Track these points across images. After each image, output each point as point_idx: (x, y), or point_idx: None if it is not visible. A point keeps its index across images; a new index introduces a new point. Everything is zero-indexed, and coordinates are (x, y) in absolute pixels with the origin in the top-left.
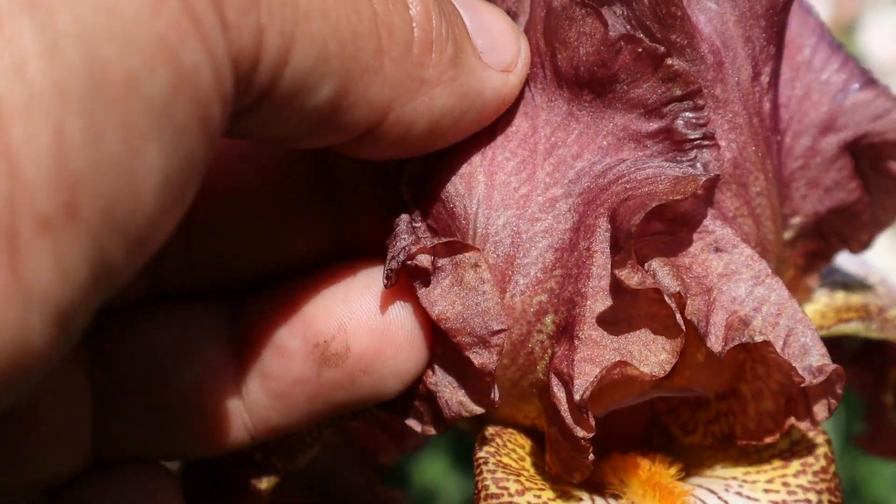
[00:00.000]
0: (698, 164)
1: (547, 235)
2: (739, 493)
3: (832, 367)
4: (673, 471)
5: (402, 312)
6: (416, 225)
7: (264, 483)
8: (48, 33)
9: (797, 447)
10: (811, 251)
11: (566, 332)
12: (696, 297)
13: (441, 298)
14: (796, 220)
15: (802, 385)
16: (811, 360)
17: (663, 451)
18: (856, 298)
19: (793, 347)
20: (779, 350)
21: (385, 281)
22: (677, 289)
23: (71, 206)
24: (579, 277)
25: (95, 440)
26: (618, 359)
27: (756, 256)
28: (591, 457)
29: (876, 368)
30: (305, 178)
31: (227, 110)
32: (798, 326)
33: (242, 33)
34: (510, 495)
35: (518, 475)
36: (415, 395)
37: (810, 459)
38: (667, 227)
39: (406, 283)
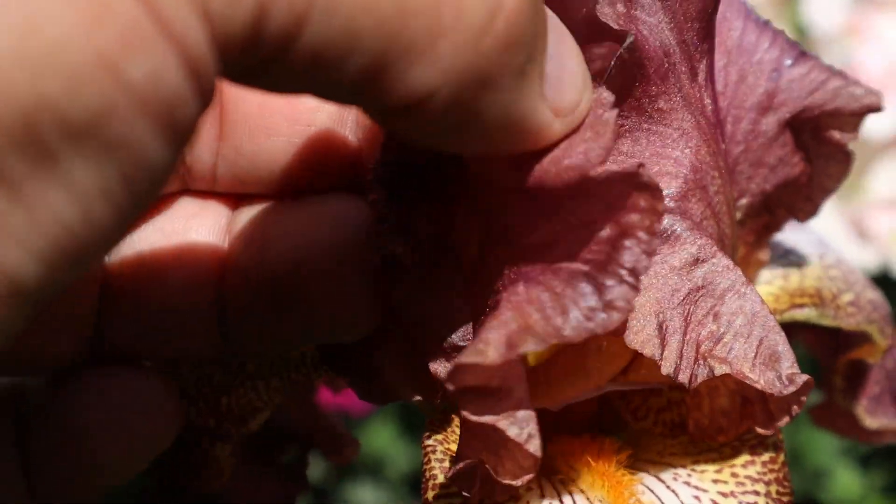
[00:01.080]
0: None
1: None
2: (687, 483)
3: (803, 377)
4: (621, 457)
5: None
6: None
7: (219, 449)
8: None
9: (747, 435)
10: (761, 226)
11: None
12: (673, 335)
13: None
14: (744, 202)
15: (774, 395)
16: (781, 369)
17: (614, 434)
18: (810, 282)
19: (763, 356)
20: (749, 361)
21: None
22: None
23: None
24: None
25: (96, 329)
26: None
27: (731, 265)
28: (539, 454)
29: (830, 348)
30: None
31: (209, 95)
32: (770, 335)
33: (233, 19)
34: None
35: None
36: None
37: (759, 449)
38: None
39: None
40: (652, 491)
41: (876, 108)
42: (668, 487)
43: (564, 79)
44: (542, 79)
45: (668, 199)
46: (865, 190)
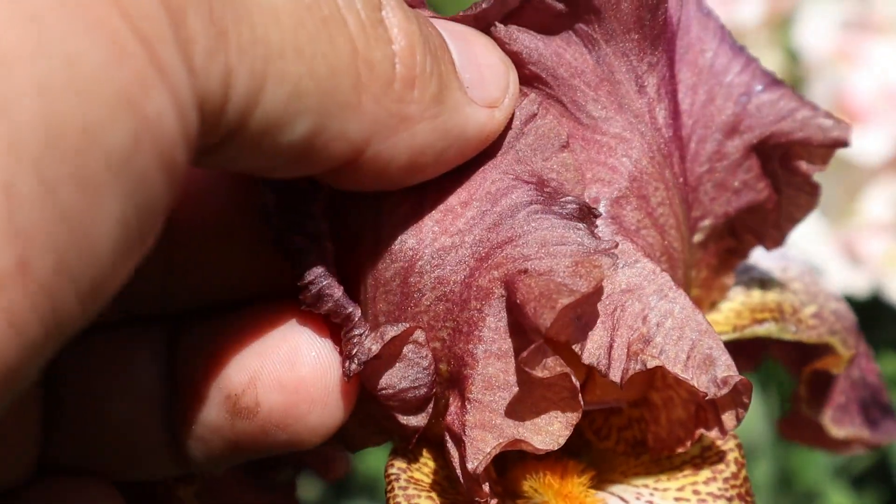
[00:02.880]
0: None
1: (437, 287)
2: (651, 502)
3: (737, 378)
4: (585, 479)
5: (317, 370)
6: (329, 280)
7: (182, 490)
8: (4, 89)
9: (708, 453)
10: (724, 250)
11: (457, 386)
12: (599, 326)
13: (379, 372)
14: (706, 223)
15: (707, 398)
16: (716, 372)
17: (578, 456)
18: (771, 297)
19: (696, 360)
20: (682, 364)
21: (344, 378)
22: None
23: (22, 262)
24: (470, 337)
25: (42, 450)
26: (510, 434)
27: (658, 270)
28: (494, 501)
29: (795, 360)
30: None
31: (192, 151)
32: (703, 338)
33: (210, 76)
34: None
35: (430, 491)
36: None
37: (721, 466)
38: None
39: (323, 332)
40: None
41: (844, 143)
42: None
43: (485, 75)
44: (463, 88)
45: (596, 204)
46: (857, 213)
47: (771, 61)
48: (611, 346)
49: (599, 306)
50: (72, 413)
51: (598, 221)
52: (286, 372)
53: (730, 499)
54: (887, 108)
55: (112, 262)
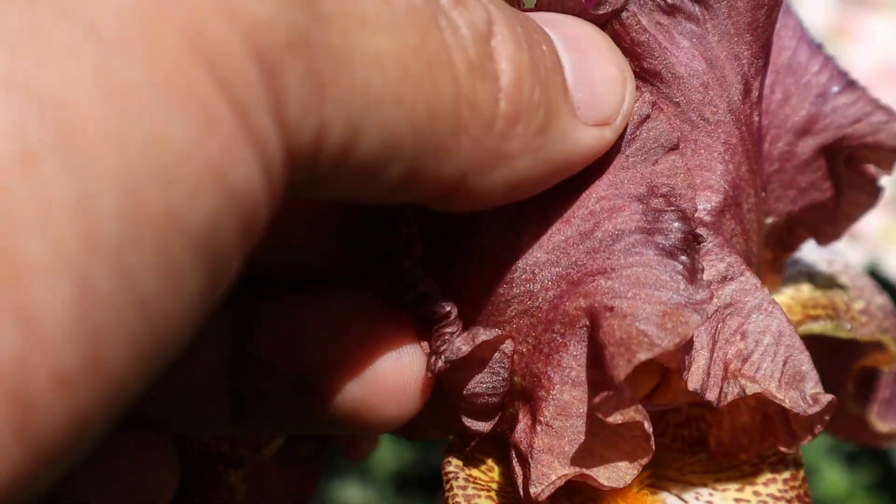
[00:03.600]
0: (697, 277)
1: (524, 301)
2: (710, 502)
3: (828, 398)
4: (643, 476)
5: (398, 362)
6: (428, 281)
7: (233, 476)
8: (83, 178)
9: (766, 454)
10: (781, 247)
11: (528, 404)
12: (699, 352)
13: (462, 376)
14: (770, 221)
15: (797, 413)
16: (805, 389)
17: None
18: (821, 292)
19: (788, 375)
20: (776, 381)
21: (428, 373)
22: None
23: (95, 361)
24: (549, 360)
25: None
26: (577, 467)
27: (759, 283)
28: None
29: (844, 354)
30: None
31: (276, 202)
32: (794, 353)
33: (303, 132)
34: None
35: (488, 489)
36: None
37: (780, 466)
38: None
39: (406, 324)
40: None
41: None
42: None
43: (599, 91)
44: (573, 112)
45: (704, 213)
46: None
47: None
48: (709, 366)
49: (703, 326)
50: None
51: (703, 231)
52: (365, 362)
53: (789, 500)
54: (885, 83)
55: (184, 339)
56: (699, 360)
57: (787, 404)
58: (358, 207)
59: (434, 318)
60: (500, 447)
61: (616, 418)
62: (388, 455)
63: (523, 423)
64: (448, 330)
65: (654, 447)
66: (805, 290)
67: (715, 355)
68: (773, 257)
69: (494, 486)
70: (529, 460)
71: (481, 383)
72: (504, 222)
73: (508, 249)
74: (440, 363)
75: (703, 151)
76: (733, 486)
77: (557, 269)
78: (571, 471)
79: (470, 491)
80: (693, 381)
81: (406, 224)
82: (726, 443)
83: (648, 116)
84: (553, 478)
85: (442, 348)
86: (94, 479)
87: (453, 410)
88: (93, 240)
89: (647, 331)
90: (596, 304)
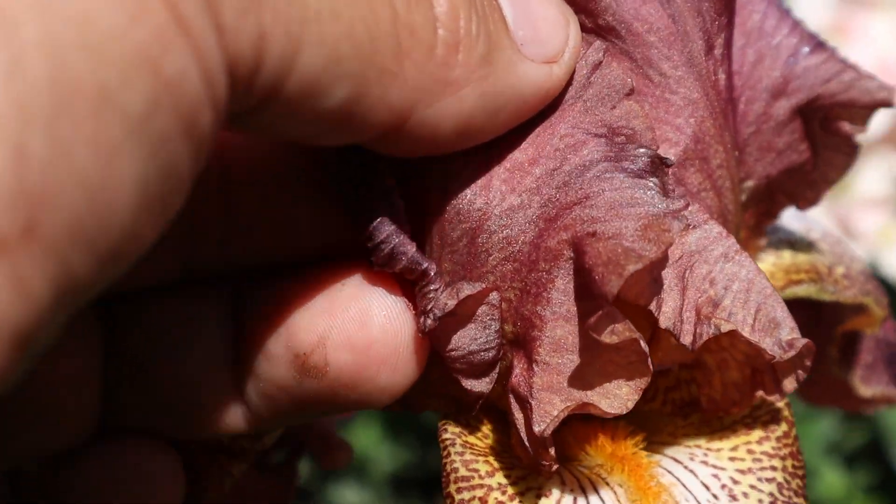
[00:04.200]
0: (670, 191)
1: (505, 247)
2: (705, 462)
3: (802, 341)
4: (636, 440)
5: (388, 331)
6: (401, 237)
7: (235, 468)
8: (11, 48)
9: (758, 412)
10: (761, 211)
11: (523, 348)
12: (669, 291)
13: (450, 332)
14: (749, 184)
15: (774, 360)
16: (781, 335)
17: (623, 418)
18: (802, 258)
19: (762, 322)
20: (749, 327)
21: (419, 334)
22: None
23: (30, 226)
24: (538, 299)
25: (103, 412)
26: (577, 397)
27: (725, 232)
28: (556, 466)
29: (825, 320)
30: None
31: (221, 115)
32: (768, 301)
33: (240, 37)
34: (480, 477)
35: (486, 455)
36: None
37: (773, 425)
38: None
39: (394, 290)
40: (670, 472)
41: (888, 104)
42: (686, 468)
43: (541, 29)
44: (515, 47)
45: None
46: (852, 189)
47: None
48: (681, 310)
49: (670, 269)
50: (134, 373)
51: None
52: (356, 331)
53: (783, 458)
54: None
55: (133, 227)
56: (669, 300)
57: (763, 347)
58: (332, 169)
59: (414, 277)
60: (495, 415)
61: (611, 338)
62: (385, 456)
63: (519, 367)
64: (431, 287)
65: (651, 368)
66: (786, 257)
67: (686, 301)
68: (754, 223)
69: (492, 452)
70: (530, 400)
71: (474, 340)
72: (473, 174)
73: (481, 200)
74: (429, 321)
75: (661, 105)
76: (727, 446)
77: (532, 210)
78: (573, 402)
79: (468, 456)
80: (665, 319)
81: (379, 178)
82: (718, 399)
83: (601, 63)
84: (555, 412)
85: (429, 307)
86: (102, 490)
87: (451, 378)
88: (25, 106)
89: (631, 246)
90: (577, 234)
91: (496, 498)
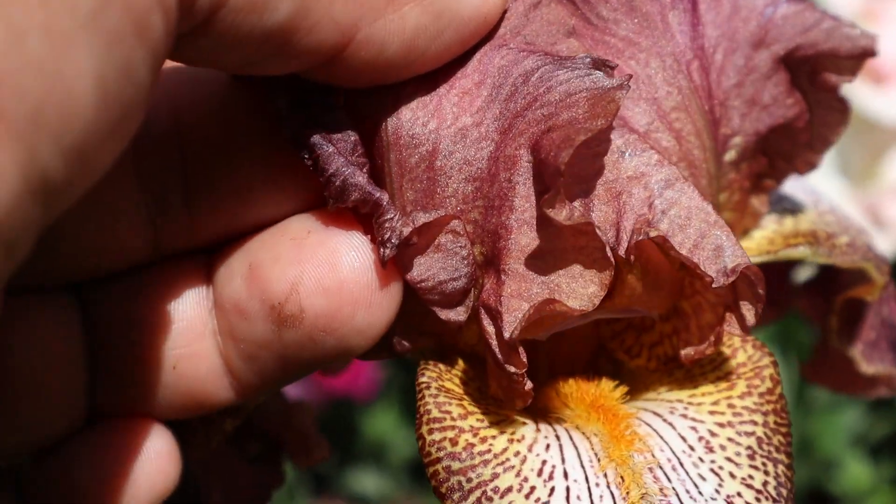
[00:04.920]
0: (612, 74)
1: (463, 167)
2: (685, 416)
3: (745, 263)
4: (618, 394)
5: (357, 269)
6: (352, 168)
7: (228, 423)
8: None
9: (742, 369)
10: (757, 173)
11: (493, 264)
12: (606, 204)
13: (416, 262)
14: (737, 140)
15: (714, 286)
16: (725, 262)
17: (609, 376)
18: (805, 225)
19: (706, 250)
20: (688, 249)
21: (383, 263)
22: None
23: None
24: (502, 209)
25: (89, 399)
26: (546, 295)
27: (666, 162)
28: (529, 385)
29: (825, 294)
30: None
31: (171, 25)
32: (712, 230)
33: None
34: (453, 419)
35: (461, 399)
36: None
37: (756, 381)
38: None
39: (360, 231)
40: (648, 424)
41: (871, 52)
42: (664, 420)
43: None
44: None
45: None
46: (881, 177)
47: None
48: (618, 226)
49: (604, 187)
50: (116, 356)
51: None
52: (327, 275)
53: (765, 413)
54: None
55: (94, 122)
56: (603, 211)
57: (704, 270)
58: (283, 113)
59: (369, 209)
60: (474, 363)
61: (566, 217)
62: (403, 442)
63: (490, 282)
64: (387, 217)
65: (613, 260)
66: (788, 224)
67: (624, 222)
68: (750, 185)
69: (468, 398)
70: (500, 309)
71: (444, 269)
72: (424, 101)
73: (434, 122)
74: (387, 251)
75: (599, 47)
76: (709, 400)
77: (486, 126)
78: (539, 299)
79: (441, 399)
80: (602, 233)
81: (328, 113)
82: (696, 342)
83: (540, 2)
84: (520, 316)
85: (386, 237)
86: (96, 472)
87: (427, 313)
88: None
89: (581, 125)
90: (532, 134)
91: (466, 440)
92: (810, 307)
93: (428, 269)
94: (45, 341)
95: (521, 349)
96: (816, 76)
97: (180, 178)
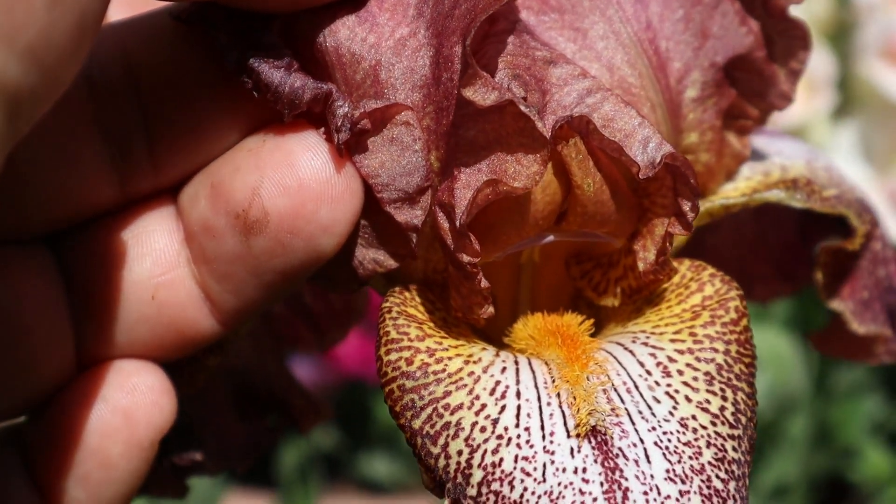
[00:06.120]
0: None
1: (408, 76)
2: (645, 343)
3: (670, 151)
4: (584, 326)
5: (315, 165)
6: (294, 74)
7: (212, 360)
8: None
9: (708, 301)
10: (727, 111)
11: (447, 166)
12: (534, 92)
13: (370, 155)
14: (696, 76)
15: (641, 176)
16: (651, 152)
17: (577, 310)
18: (791, 175)
19: (634, 142)
20: (618, 140)
21: (339, 150)
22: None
23: None
24: (450, 109)
25: (77, 347)
26: (490, 178)
27: (588, 74)
28: (485, 283)
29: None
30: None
31: None
32: (637, 128)
33: None
34: (410, 340)
35: (421, 324)
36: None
37: (720, 311)
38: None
39: (313, 130)
40: (609, 352)
41: None
42: (625, 348)
43: None
44: None
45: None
46: None
47: (819, 5)
48: (543, 112)
49: (534, 81)
50: (97, 302)
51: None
52: (286, 174)
53: (728, 342)
54: None
55: (49, 28)
56: (532, 95)
57: (631, 156)
58: (222, 43)
59: (321, 105)
60: (441, 295)
61: (486, 97)
62: None
63: (445, 182)
64: (337, 104)
65: (545, 133)
66: (774, 175)
67: (548, 117)
68: (721, 124)
69: (429, 322)
70: (452, 202)
71: (397, 162)
72: (358, 19)
73: (373, 36)
74: (342, 136)
75: None
76: (671, 330)
77: (422, 33)
78: (484, 180)
79: (401, 321)
80: (530, 111)
81: (265, 35)
82: (651, 258)
83: None
84: (468, 200)
85: (339, 123)
86: (89, 412)
87: (386, 221)
88: None
89: (487, 4)
90: (462, 28)
91: (422, 360)
92: (824, 275)
93: (382, 162)
94: (24, 293)
95: (472, 237)
96: (770, 4)
97: (139, 121)
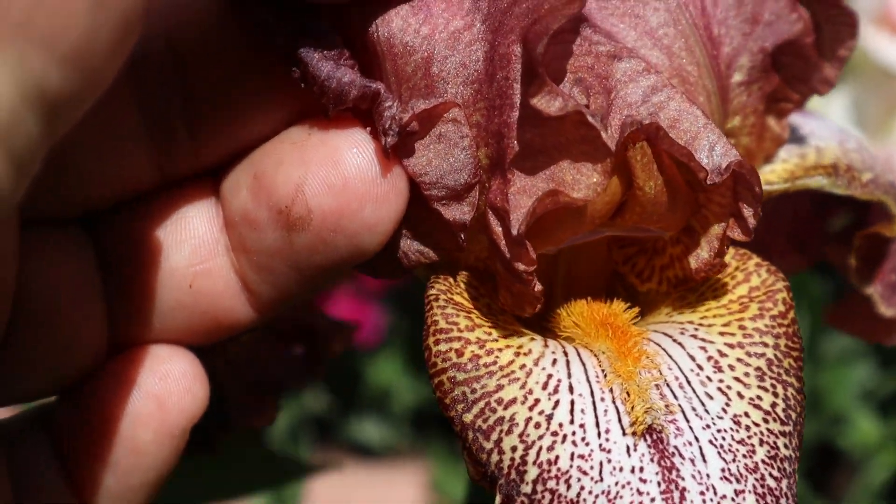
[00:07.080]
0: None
1: (461, 71)
2: (694, 336)
3: (737, 158)
4: (629, 315)
5: (361, 164)
6: (343, 69)
7: (246, 335)
8: None
9: (755, 293)
10: (771, 95)
11: (498, 165)
12: (598, 95)
13: (417, 153)
14: (744, 61)
15: (709, 182)
16: (717, 159)
17: (621, 298)
18: (828, 159)
19: (700, 147)
20: (681, 143)
21: (385, 152)
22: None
23: None
24: (503, 109)
25: (110, 330)
26: (550, 187)
27: (654, 70)
28: (539, 287)
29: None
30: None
31: None
32: (703, 131)
33: None
34: (460, 330)
35: (469, 313)
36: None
37: (768, 304)
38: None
39: (360, 127)
40: (658, 344)
41: None
42: (674, 340)
43: None
44: None
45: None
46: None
47: None
48: (608, 115)
49: (598, 82)
50: (132, 284)
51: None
52: (331, 172)
53: (777, 336)
54: None
55: (90, 32)
56: (596, 100)
57: (699, 160)
58: (271, 27)
59: (368, 104)
60: (485, 281)
61: (558, 107)
62: (406, 392)
63: (496, 183)
64: (386, 105)
65: (611, 146)
66: (811, 158)
67: (613, 117)
68: (764, 108)
69: (476, 311)
70: (507, 207)
71: (445, 159)
72: (412, 9)
73: (426, 28)
74: (389, 138)
75: None
76: (719, 322)
77: (477, 27)
78: (542, 192)
79: (449, 310)
80: (592, 118)
81: (315, 23)
82: (705, 256)
83: None
84: (526, 210)
85: (387, 125)
86: (123, 396)
87: (434, 217)
88: None
89: (559, 11)
90: (521, 29)
91: (472, 351)
92: (838, 255)
93: (429, 160)
94: (60, 274)
95: (529, 246)
96: None
97: (180, 102)
